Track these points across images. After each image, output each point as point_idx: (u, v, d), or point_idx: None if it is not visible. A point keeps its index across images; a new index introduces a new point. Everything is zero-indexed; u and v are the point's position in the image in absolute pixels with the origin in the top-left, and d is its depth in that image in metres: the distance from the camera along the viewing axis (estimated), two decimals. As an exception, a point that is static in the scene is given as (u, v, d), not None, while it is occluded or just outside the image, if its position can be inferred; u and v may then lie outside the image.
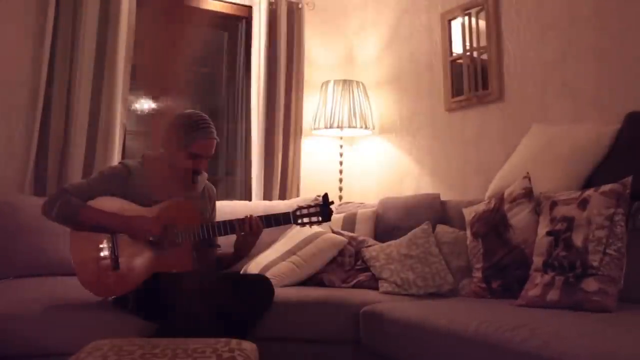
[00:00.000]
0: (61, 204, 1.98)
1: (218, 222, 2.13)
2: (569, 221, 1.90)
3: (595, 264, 1.76)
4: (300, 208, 2.17)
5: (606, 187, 1.87)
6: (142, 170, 2.13)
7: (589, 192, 1.91)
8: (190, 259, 2.09)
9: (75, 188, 2.05)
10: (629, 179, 1.85)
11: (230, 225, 2.11)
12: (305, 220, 2.16)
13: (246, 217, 2.12)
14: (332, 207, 2.21)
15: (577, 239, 1.84)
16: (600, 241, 1.78)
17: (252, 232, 2.11)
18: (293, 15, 3.67)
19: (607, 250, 1.76)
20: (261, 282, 2.15)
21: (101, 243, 2.00)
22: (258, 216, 2.14)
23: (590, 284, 1.74)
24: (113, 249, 2.00)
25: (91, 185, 2.07)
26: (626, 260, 1.77)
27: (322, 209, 2.16)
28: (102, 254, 1.99)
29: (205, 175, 2.28)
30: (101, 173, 2.14)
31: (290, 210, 2.18)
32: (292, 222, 2.16)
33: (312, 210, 2.16)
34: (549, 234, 1.96)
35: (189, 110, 2.17)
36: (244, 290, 2.05)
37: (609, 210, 1.81)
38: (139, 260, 2.01)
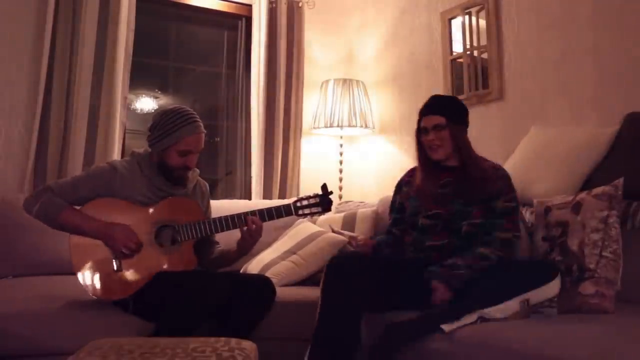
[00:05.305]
0: (43, 202, 1.96)
1: (220, 217, 2.10)
2: (564, 226, 1.90)
3: (591, 266, 1.76)
4: (300, 199, 2.16)
5: (598, 190, 1.87)
6: (130, 169, 2.10)
7: (582, 195, 1.91)
8: (194, 257, 2.07)
9: (60, 187, 2.02)
10: (621, 181, 1.85)
11: (231, 220, 2.10)
12: (306, 211, 2.15)
13: (244, 214, 2.11)
14: (332, 202, 2.21)
15: (573, 243, 1.84)
16: (596, 244, 1.78)
17: (249, 228, 2.09)
18: (293, 14, 3.66)
19: (603, 253, 1.76)
20: (263, 282, 2.14)
21: (103, 245, 1.97)
22: (259, 209, 2.13)
23: (588, 287, 1.74)
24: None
25: (76, 184, 2.04)
26: (627, 261, 1.77)
27: (322, 199, 2.16)
28: (103, 256, 1.97)
29: (197, 172, 2.26)
30: (87, 172, 2.11)
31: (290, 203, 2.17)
32: (293, 213, 2.15)
33: (312, 201, 2.15)
34: (544, 239, 1.97)
35: (174, 106, 2.14)
36: (246, 291, 2.05)
37: (602, 212, 1.81)
38: (142, 261, 1.99)
